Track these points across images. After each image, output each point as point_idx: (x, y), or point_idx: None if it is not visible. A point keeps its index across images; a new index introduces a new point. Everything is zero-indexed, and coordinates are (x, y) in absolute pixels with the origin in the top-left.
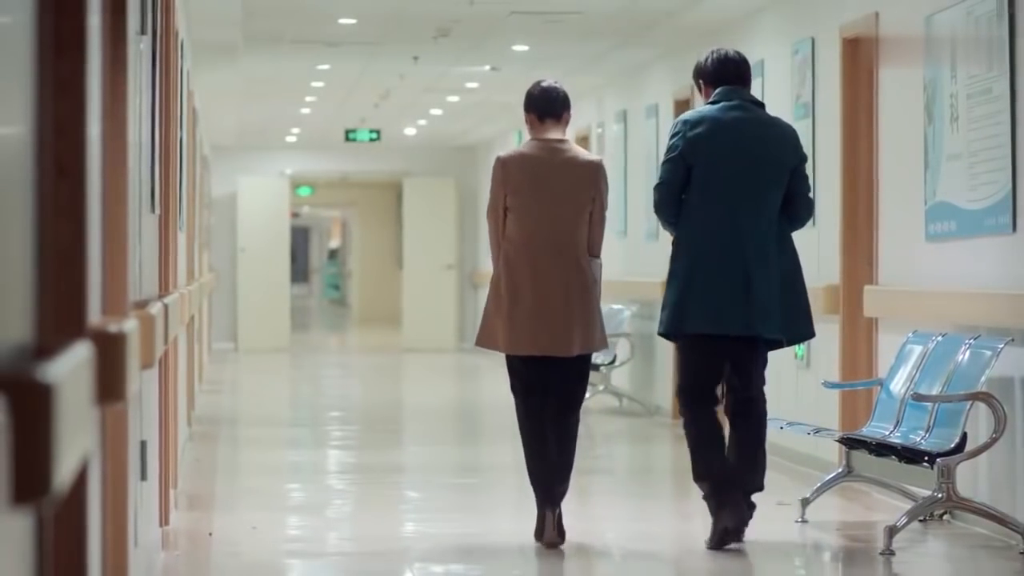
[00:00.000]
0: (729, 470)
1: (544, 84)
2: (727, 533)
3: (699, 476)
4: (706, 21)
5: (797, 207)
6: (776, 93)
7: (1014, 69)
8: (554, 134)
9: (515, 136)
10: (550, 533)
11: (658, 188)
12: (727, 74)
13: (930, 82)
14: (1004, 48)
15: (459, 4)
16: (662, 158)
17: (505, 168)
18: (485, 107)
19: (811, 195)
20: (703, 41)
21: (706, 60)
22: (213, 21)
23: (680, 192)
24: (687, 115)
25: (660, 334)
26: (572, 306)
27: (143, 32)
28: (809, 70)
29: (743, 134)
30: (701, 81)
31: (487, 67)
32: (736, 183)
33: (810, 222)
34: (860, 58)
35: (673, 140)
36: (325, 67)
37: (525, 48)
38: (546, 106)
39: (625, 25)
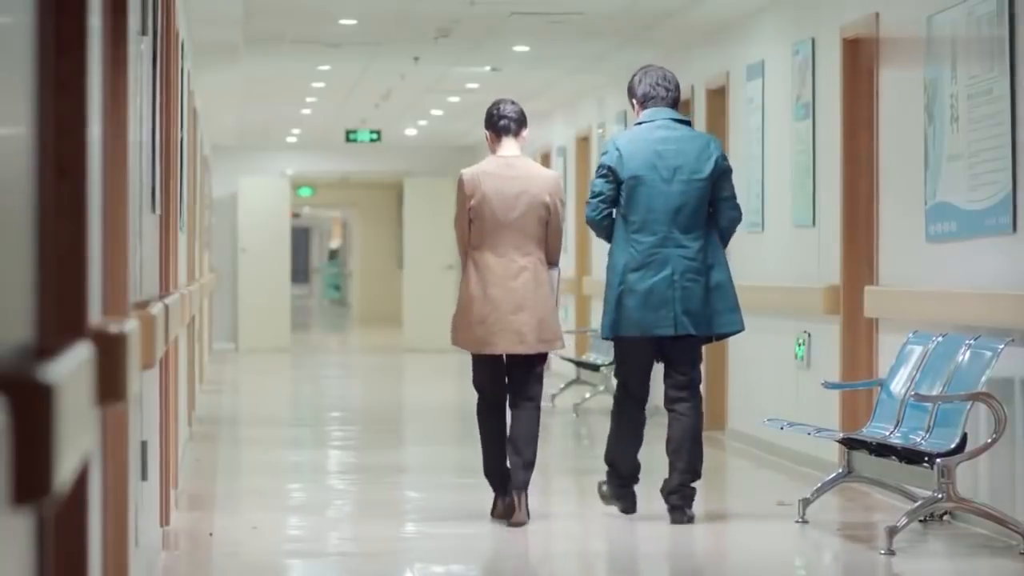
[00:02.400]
0: (635, 470)
1: (502, 104)
2: (613, 508)
3: (609, 463)
4: (707, 21)
5: (722, 211)
6: (776, 93)
7: (1014, 69)
8: (511, 151)
9: None
10: (499, 511)
11: (590, 202)
12: (655, 96)
13: (930, 82)
14: (1004, 48)
15: (460, 4)
16: (593, 176)
17: (468, 183)
18: (485, 108)
19: (735, 200)
20: (704, 41)
21: (638, 82)
22: (214, 21)
23: (611, 205)
24: (616, 136)
25: (603, 338)
26: (529, 309)
27: (144, 32)
28: (810, 70)
29: (665, 152)
30: (633, 100)
31: (488, 67)
32: (660, 196)
33: (810, 222)
34: (860, 58)
35: (604, 158)
36: (326, 67)
37: (526, 48)
38: (503, 125)
39: (626, 25)
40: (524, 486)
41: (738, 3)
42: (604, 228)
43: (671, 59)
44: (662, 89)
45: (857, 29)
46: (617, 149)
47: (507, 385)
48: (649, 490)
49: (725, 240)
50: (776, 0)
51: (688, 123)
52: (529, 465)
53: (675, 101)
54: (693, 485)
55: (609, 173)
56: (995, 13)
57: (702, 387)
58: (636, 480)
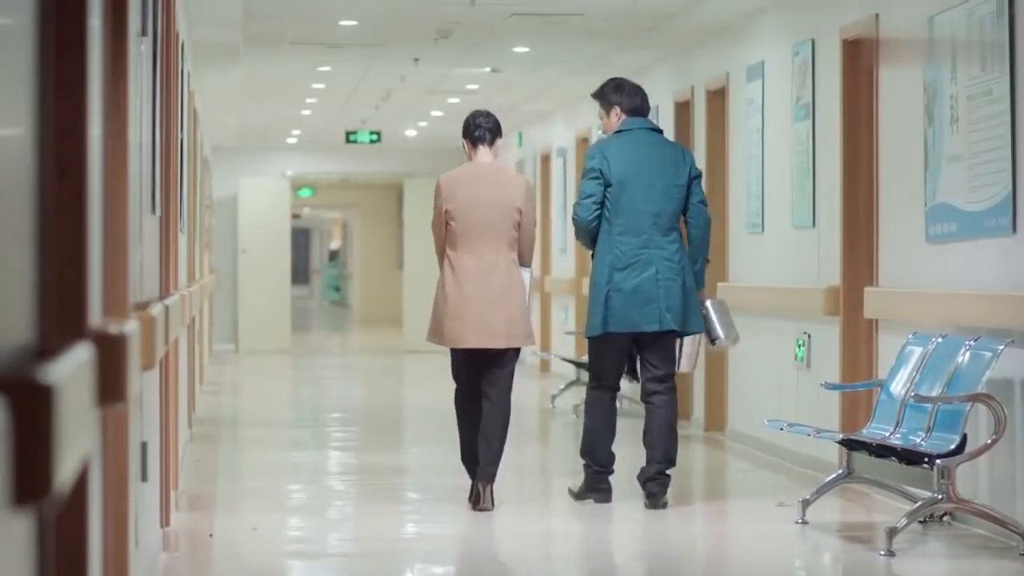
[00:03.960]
0: (612, 459)
1: (478, 115)
2: (585, 500)
3: (584, 453)
4: (707, 23)
5: (693, 213)
6: (776, 94)
7: (1014, 71)
8: (485, 158)
9: (516, 138)
10: (485, 501)
11: (582, 204)
12: (636, 106)
13: (930, 83)
14: (1004, 50)
15: (460, 5)
16: (581, 179)
17: (445, 187)
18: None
19: (706, 203)
20: (704, 42)
21: (627, 94)
22: (214, 22)
23: (600, 207)
24: (601, 143)
25: (589, 336)
26: (501, 306)
27: (144, 33)
28: (809, 71)
29: (647, 159)
30: (617, 107)
31: (488, 68)
32: (643, 200)
33: (810, 223)
34: (860, 59)
35: (592, 163)
36: (326, 68)
37: (526, 49)
38: (479, 135)
39: (626, 27)
40: (491, 478)
41: (738, 4)
42: (592, 229)
43: (671, 60)
44: (645, 103)
45: (857, 30)
46: (604, 154)
47: (482, 377)
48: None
49: (705, 243)
50: (776, 1)
51: (661, 131)
52: (497, 457)
53: (648, 110)
54: (669, 472)
55: (600, 176)
56: (995, 14)
57: (702, 387)
58: (612, 470)
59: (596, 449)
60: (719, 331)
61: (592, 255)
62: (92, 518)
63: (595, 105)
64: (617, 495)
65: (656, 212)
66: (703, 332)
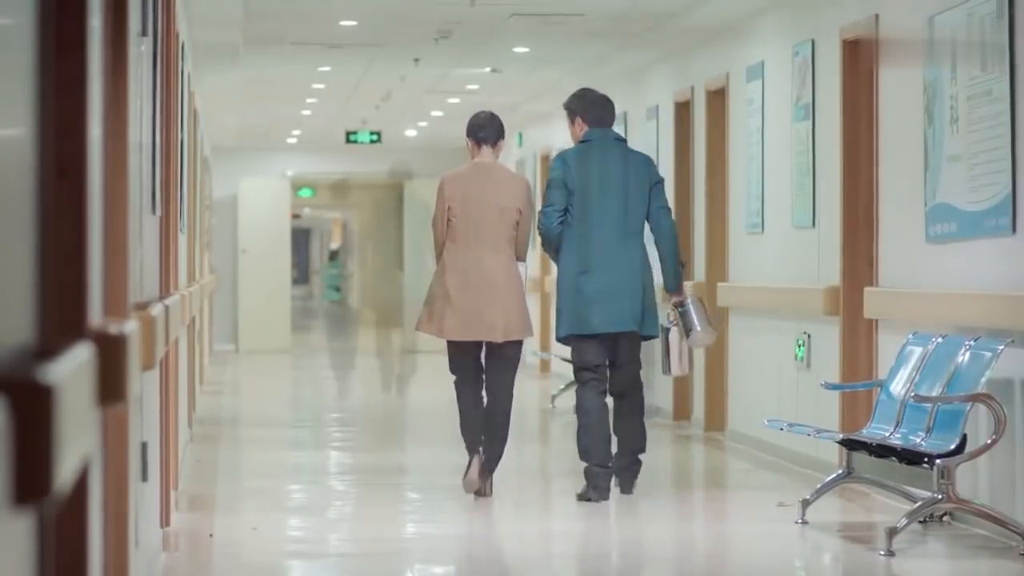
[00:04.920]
0: (608, 456)
1: (481, 115)
2: (589, 500)
3: (580, 453)
4: (707, 23)
5: (657, 219)
6: (776, 94)
7: (1014, 71)
8: (488, 157)
9: (516, 138)
10: (472, 479)
11: (546, 212)
12: (598, 117)
13: (930, 83)
14: (1004, 50)
15: (460, 6)
16: (546, 189)
17: (448, 185)
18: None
19: (668, 208)
20: (704, 43)
21: (589, 105)
22: (214, 23)
23: (563, 214)
24: (565, 153)
25: (558, 339)
26: (501, 300)
27: (144, 34)
28: (809, 71)
29: (607, 165)
30: (579, 117)
31: (488, 69)
32: (605, 207)
33: (810, 223)
34: (860, 59)
35: (554, 173)
36: (326, 69)
37: (526, 50)
38: (481, 135)
39: (626, 27)
40: (492, 472)
41: (738, 4)
42: (558, 237)
43: (671, 60)
44: (609, 115)
45: (857, 30)
46: (567, 164)
47: (483, 369)
48: (643, 491)
49: (673, 246)
50: (776, 1)
51: (624, 140)
52: (499, 455)
53: (613, 119)
54: (640, 459)
55: (563, 185)
56: (995, 14)
57: (702, 387)
58: (609, 467)
59: (589, 447)
60: (696, 324)
61: (559, 260)
62: (92, 518)
63: None
64: (616, 494)
65: (617, 218)
66: (658, 336)
